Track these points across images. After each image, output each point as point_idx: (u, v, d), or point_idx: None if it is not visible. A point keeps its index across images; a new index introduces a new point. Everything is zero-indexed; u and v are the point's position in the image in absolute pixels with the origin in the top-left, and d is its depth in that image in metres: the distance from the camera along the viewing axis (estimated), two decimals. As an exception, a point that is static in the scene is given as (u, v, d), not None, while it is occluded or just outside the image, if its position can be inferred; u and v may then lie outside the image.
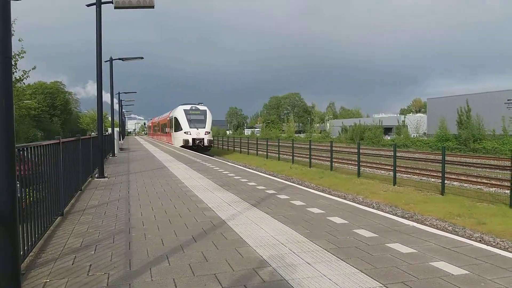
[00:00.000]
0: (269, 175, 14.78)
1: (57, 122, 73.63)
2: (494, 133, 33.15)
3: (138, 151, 26.87)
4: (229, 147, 41.43)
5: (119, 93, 38.32)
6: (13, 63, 14.68)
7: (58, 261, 4.16)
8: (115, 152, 22.84)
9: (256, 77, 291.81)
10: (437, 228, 7.05)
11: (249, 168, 17.81)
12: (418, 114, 78.57)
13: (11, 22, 2.67)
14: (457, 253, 4.37)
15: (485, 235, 8.71)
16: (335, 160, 21.11)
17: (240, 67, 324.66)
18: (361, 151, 18.66)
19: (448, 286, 3.48)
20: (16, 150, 3.72)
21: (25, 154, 4.32)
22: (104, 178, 11.53)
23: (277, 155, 27.22)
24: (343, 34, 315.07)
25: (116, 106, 38.73)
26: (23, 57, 19.86)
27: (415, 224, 5.86)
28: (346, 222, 5.87)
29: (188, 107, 34.78)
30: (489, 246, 4.82)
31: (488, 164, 19.60)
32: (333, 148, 21.15)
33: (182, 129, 33.54)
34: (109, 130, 26.80)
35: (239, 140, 38.78)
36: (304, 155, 25.08)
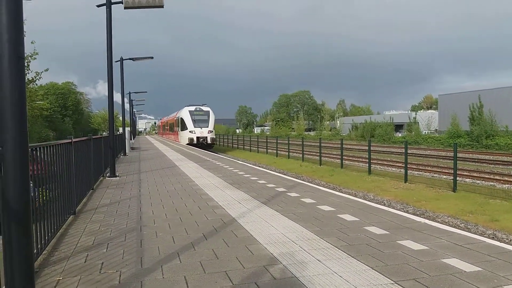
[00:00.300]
0: (279, 173, 14.78)
1: (69, 122, 74.29)
2: (507, 129, 32.70)
3: (149, 150, 27.05)
4: (238, 146, 41.50)
5: (129, 93, 38.55)
6: (25, 64, 14.93)
7: (71, 259, 4.22)
8: (127, 151, 23.07)
9: (265, 75, 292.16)
10: (449, 225, 6.98)
11: (259, 166, 17.83)
12: (430, 111, 77.80)
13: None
14: (469, 250, 4.33)
15: (498, 232, 8.61)
16: (345, 157, 21.01)
17: (249, 66, 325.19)
18: (371, 148, 18.55)
19: (460, 283, 3.45)
20: (29, 150, 3.78)
21: (38, 154, 4.38)
22: (116, 177, 11.63)
23: (287, 153, 27.16)
24: (351, 32, 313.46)
25: (127, 106, 39.02)
26: (35, 58, 20.07)
27: (426, 221, 5.80)
28: (357, 219, 5.85)
29: (192, 108, 37.39)
30: (502, 243, 4.76)
31: (500, 161, 19.35)
32: (344, 146, 21.04)
33: (187, 129, 36.08)
34: (120, 129, 27.03)
35: (249, 139, 38.86)
36: (314, 153, 25.02)
